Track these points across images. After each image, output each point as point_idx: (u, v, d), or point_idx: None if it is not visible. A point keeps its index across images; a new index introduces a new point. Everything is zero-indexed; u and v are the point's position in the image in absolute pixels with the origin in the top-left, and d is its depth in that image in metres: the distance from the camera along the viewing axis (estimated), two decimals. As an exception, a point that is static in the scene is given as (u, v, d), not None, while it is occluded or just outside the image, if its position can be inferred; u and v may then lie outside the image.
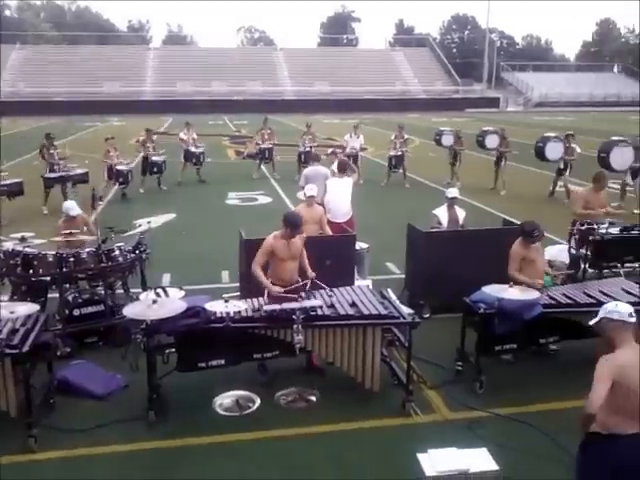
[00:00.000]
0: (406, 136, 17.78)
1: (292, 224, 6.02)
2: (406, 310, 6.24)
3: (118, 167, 15.06)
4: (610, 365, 3.35)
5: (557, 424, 5.23)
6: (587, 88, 62.11)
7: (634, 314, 3.53)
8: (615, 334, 3.51)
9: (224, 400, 5.73)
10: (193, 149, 17.58)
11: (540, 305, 5.90)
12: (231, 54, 64.50)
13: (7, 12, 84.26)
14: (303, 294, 5.88)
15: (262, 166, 18.93)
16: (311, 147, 17.79)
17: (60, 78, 54.43)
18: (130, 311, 5.43)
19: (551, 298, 6.14)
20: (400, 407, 5.53)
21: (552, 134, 15.87)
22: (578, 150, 15.10)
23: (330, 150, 12.70)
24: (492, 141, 17.05)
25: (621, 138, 13.99)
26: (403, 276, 8.61)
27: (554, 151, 15.15)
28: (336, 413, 5.50)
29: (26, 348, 5.02)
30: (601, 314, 3.61)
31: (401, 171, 17.25)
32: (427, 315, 7.54)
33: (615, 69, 76.06)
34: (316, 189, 8.10)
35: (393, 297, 6.59)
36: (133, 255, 7.42)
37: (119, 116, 47.45)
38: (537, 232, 6.37)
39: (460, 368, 6.18)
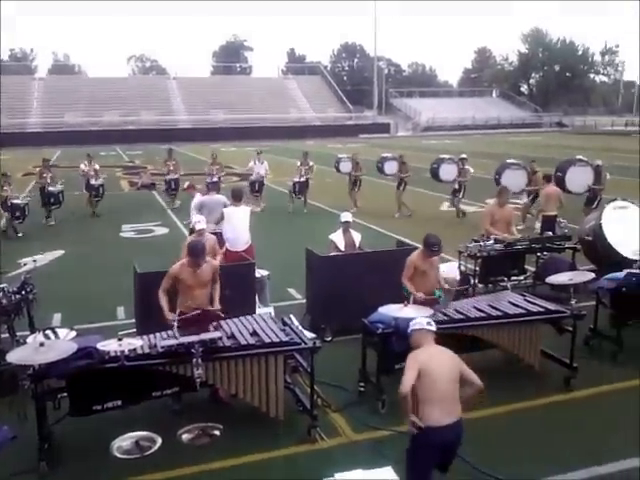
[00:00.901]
0: (311, 163, 17.98)
1: (190, 253, 6.10)
2: (308, 335, 6.28)
3: (13, 201, 14.48)
4: (415, 358, 4.26)
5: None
6: (470, 112, 65.92)
7: (432, 323, 4.53)
8: (420, 338, 4.43)
9: (123, 443, 5.46)
10: (93, 181, 17.05)
11: (434, 322, 6.11)
12: (122, 83, 63.00)
13: None
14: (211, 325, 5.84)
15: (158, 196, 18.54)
16: (219, 177, 17.70)
17: None
18: (15, 357, 5.08)
19: (444, 314, 6.39)
20: (306, 433, 5.53)
21: (446, 156, 16.60)
22: (471, 171, 15.77)
23: (187, 184, 12.43)
24: (391, 167, 17.56)
25: (514, 161, 15.03)
26: (304, 301, 8.68)
27: (448, 172, 15.81)
28: (241, 446, 5.41)
29: None
30: (409, 330, 4.53)
31: (302, 198, 17.41)
32: (329, 338, 7.62)
33: (494, 94, 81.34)
34: (204, 221, 7.91)
35: (295, 323, 6.61)
36: (18, 296, 7.01)
37: (4, 149, 44.84)
38: (437, 247, 6.66)
39: (363, 389, 6.28)
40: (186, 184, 12.71)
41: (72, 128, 51.79)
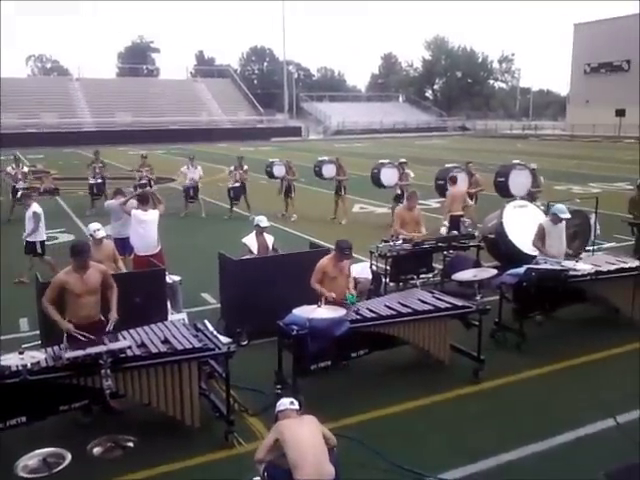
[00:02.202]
0: (246, 167, 17.42)
1: (73, 252, 5.80)
2: (223, 340, 6.21)
3: None
4: (275, 430, 4.41)
5: (373, 433, 5.56)
6: (378, 116, 67.54)
7: (294, 402, 4.62)
8: (284, 416, 4.52)
9: (29, 461, 5.19)
10: (20, 185, 16.19)
11: (348, 321, 6.23)
12: (21, 84, 59.79)
13: None
14: (109, 336, 5.61)
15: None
16: (149, 179, 17.12)
17: None
18: None
19: (357, 313, 6.51)
20: (223, 439, 5.46)
21: (386, 161, 16.09)
22: (412, 175, 15.42)
23: (20, 193, 12.17)
24: (329, 170, 17.09)
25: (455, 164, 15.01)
26: (219, 305, 8.58)
27: (389, 177, 15.33)
28: (156, 456, 5.27)
29: None
30: (276, 411, 4.63)
31: (237, 204, 16.94)
32: (245, 342, 7.57)
33: (400, 99, 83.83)
34: (102, 230, 7.66)
35: (210, 328, 6.51)
36: None
37: None
38: (348, 250, 6.79)
39: (280, 391, 6.26)
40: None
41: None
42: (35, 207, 10.58)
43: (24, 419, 5.12)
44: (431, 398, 6.28)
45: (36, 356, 5.06)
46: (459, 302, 6.91)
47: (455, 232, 10.49)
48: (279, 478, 4.23)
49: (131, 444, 5.47)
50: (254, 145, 47.40)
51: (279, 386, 6.32)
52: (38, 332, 7.28)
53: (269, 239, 8.62)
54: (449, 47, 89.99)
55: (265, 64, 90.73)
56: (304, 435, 4.24)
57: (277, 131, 59.49)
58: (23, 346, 5.32)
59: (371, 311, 6.60)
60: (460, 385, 6.54)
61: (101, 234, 7.51)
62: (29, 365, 4.93)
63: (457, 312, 6.83)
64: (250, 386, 6.39)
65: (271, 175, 18.11)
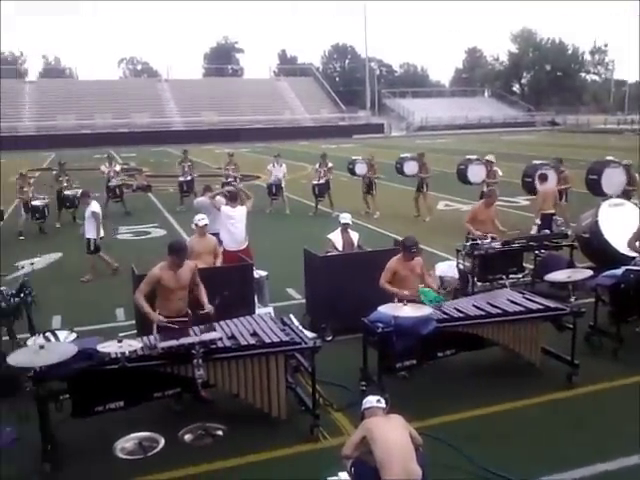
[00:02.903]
0: (330, 164, 17.59)
1: (172, 249, 6.01)
2: (309, 335, 6.29)
3: (34, 202, 14.96)
4: (362, 427, 4.38)
5: (460, 435, 5.45)
6: (462, 112, 66.10)
7: (381, 400, 4.56)
8: (370, 414, 4.47)
9: (126, 444, 5.46)
10: (112, 182, 17.22)
11: (434, 320, 6.14)
12: (114, 86, 62.82)
13: None
14: (202, 327, 5.80)
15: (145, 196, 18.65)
16: (235, 177, 17.70)
17: None
18: (15, 359, 5.06)
19: (444, 313, 6.40)
20: (308, 432, 5.52)
21: (473, 157, 15.57)
22: (500, 173, 14.82)
23: (79, 192, 12.61)
24: (411, 167, 16.81)
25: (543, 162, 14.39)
26: (304, 301, 8.68)
27: (476, 174, 14.82)
28: (244, 446, 5.40)
29: None
30: (362, 408, 4.57)
31: (327, 199, 17.10)
32: (329, 338, 7.61)
33: (486, 94, 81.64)
34: (207, 219, 7.99)
35: (295, 323, 6.62)
36: (17, 299, 6.99)
37: (-4, 153, 44.68)
38: (414, 248, 6.72)
39: (364, 388, 6.26)
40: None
41: (64, 131, 51.60)
42: (94, 206, 10.97)
43: (121, 404, 5.38)
44: (521, 402, 6.08)
45: (133, 344, 5.29)
46: (552, 304, 6.66)
47: (547, 231, 10.12)
48: (366, 475, 4.22)
49: (221, 433, 5.64)
50: (336, 143, 47.59)
51: (364, 383, 6.32)
52: (134, 322, 7.65)
53: (354, 236, 8.64)
54: (537, 39, 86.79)
55: (347, 61, 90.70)
56: (391, 434, 4.22)
57: (359, 128, 59.43)
58: (120, 335, 5.59)
59: (458, 311, 6.47)
60: (552, 390, 6.30)
61: (204, 222, 7.80)
62: (127, 353, 5.17)
63: (550, 314, 6.59)
64: (335, 381, 6.43)
65: (353, 173, 18.12)
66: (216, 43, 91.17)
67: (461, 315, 6.39)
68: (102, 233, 11.19)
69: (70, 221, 16.04)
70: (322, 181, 17.17)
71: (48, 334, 6.11)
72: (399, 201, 17.52)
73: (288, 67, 79.82)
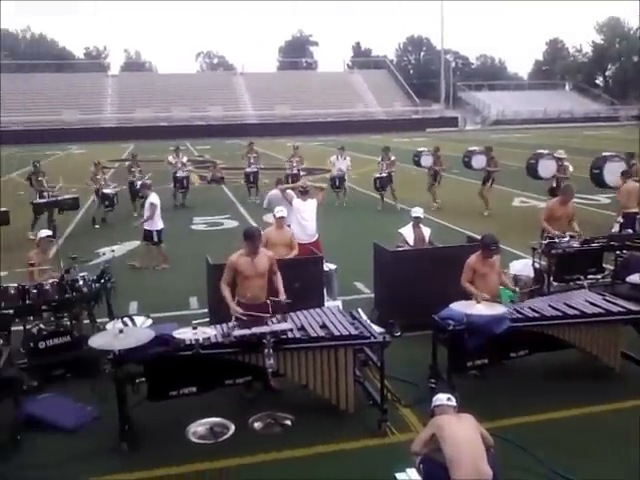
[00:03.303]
0: (392, 157, 17.54)
1: (246, 235, 6.10)
2: (377, 329, 6.26)
3: (104, 190, 15.45)
4: (432, 424, 4.35)
5: (532, 437, 5.30)
6: (541, 105, 63.92)
7: (452, 398, 4.50)
8: (441, 412, 4.43)
9: (198, 428, 5.63)
10: (179, 173, 17.64)
11: (508, 320, 5.99)
12: (191, 79, 64.54)
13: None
14: (275, 318, 5.88)
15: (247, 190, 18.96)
16: (299, 170, 17.91)
17: (16, 107, 53.60)
18: (96, 342, 5.31)
19: (518, 312, 6.24)
20: (376, 427, 5.52)
21: (545, 151, 15.27)
22: (571, 169, 14.33)
23: (139, 183, 12.82)
24: (479, 161, 16.52)
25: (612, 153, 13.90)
26: (372, 295, 8.66)
27: (546, 169, 14.45)
28: (312, 436, 5.46)
29: (-10, 384, 4.87)
30: (432, 406, 4.54)
31: (382, 194, 17.13)
32: (398, 333, 7.56)
33: (567, 87, 78.55)
34: (285, 211, 8.14)
35: (364, 317, 6.61)
36: (98, 285, 7.31)
37: (79, 144, 46.87)
38: (494, 246, 6.54)
39: (434, 385, 6.20)
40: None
41: (143, 123, 53.48)
42: (153, 198, 11.21)
43: (194, 389, 5.54)
44: (598, 407, 5.85)
45: (207, 332, 5.45)
46: (633, 307, 6.36)
47: (630, 230, 9.65)
48: (435, 472, 4.18)
49: (289, 422, 5.72)
50: (409, 136, 47.08)
51: (433, 380, 6.25)
52: (207, 310, 7.86)
53: (426, 231, 8.54)
54: (625, 29, 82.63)
55: (422, 54, 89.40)
56: (462, 433, 4.16)
57: (433, 122, 58.58)
58: (192, 322, 5.75)
59: (534, 310, 6.29)
60: (632, 396, 6.02)
61: (281, 214, 7.92)
62: (201, 340, 5.32)
63: (631, 317, 6.30)
64: (403, 377, 6.39)
65: (418, 164, 18.06)
66: (291, 36, 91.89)
67: (536, 315, 6.21)
68: (161, 225, 11.36)
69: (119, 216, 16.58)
70: (384, 174, 17.14)
71: (126, 319, 6.36)
72: (471, 196, 17.15)
73: (362, 60, 79.48)
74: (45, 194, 14.37)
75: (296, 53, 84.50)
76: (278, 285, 6.34)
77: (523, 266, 8.58)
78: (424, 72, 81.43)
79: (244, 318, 5.91)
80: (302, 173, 18.01)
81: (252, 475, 4.99)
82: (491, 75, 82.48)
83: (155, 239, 11.13)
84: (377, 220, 14.92)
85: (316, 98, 59.96)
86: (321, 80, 65.88)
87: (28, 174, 15.19)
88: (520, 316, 6.17)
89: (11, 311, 6.73)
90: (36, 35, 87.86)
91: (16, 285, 6.81)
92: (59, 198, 14.17)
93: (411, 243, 8.40)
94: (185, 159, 18.40)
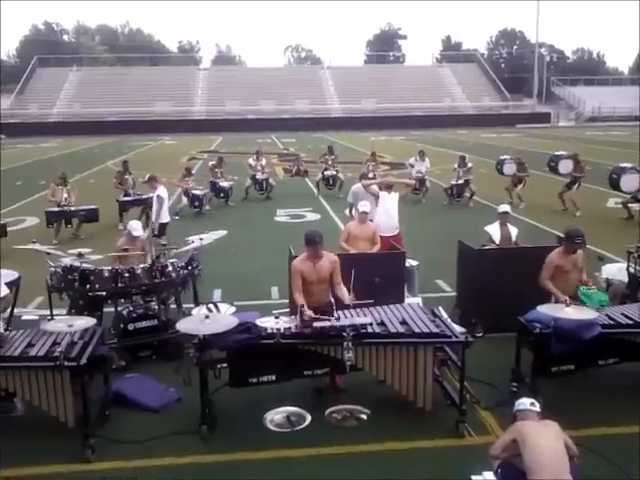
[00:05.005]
0: (470, 165, 17.24)
1: (307, 240, 5.94)
2: (458, 329, 6.14)
3: (194, 192, 16.01)
4: (514, 429, 4.24)
5: (619, 450, 5.05)
6: (642, 102, 60.36)
7: (535, 404, 4.38)
8: (523, 417, 4.34)
9: (275, 416, 5.73)
10: (259, 175, 18.10)
11: (598, 325, 5.72)
12: (278, 73, 65.50)
13: (65, 37, 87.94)
14: (354, 311, 5.88)
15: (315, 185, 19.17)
16: (374, 175, 17.85)
17: (114, 99, 56.33)
18: (183, 326, 5.51)
19: (610, 318, 5.94)
20: (453, 427, 5.43)
21: (628, 165, 14.72)
22: None
23: (147, 176, 12.91)
24: (566, 166, 15.95)
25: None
26: (454, 294, 8.50)
27: (629, 183, 14.11)
28: (387, 432, 5.43)
29: (84, 361, 5.16)
30: (514, 410, 4.44)
31: (467, 195, 16.90)
32: (480, 334, 7.38)
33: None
34: (369, 205, 8.11)
35: (444, 315, 6.50)
36: (186, 271, 7.56)
37: (170, 135, 48.67)
38: (580, 239, 6.28)
39: (515, 389, 6.02)
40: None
41: (232, 116, 54.87)
42: (160, 191, 11.31)
43: (273, 378, 5.64)
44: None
45: (288, 322, 5.52)
46: None
47: None
48: (513, 478, 4.07)
49: (365, 417, 5.72)
50: (497, 132, 45.79)
51: (515, 384, 6.07)
52: (287, 301, 7.97)
53: (513, 231, 8.29)
54: None
55: (515, 47, 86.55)
56: (545, 440, 4.01)
57: (523, 117, 56.73)
58: (274, 312, 5.84)
59: (626, 317, 5.97)
60: None
61: (364, 209, 7.91)
62: (282, 329, 5.40)
63: None
64: (483, 379, 6.24)
65: (501, 172, 17.67)
66: (379, 30, 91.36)
67: (629, 322, 5.89)
68: (167, 218, 11.42)
69: (223, 205, 17.19)
70: (460, 182, 16.85)
71: (211, 305, 6.55)
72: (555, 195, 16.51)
73: (451, 53, 77.85)
74: (130, 192, 14.96)
75: (384, 47, 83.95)
76: (341, 293, 6.04)
77: (617, 270, 8.16)
78: (516, 66, 78.83)
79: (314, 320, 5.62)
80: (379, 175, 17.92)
81: (325, 466, 5.03)
82: (588, 70, 78.69)
83: (156, 232, 11.08)
84: (462, 217, 14.62)
85: (403, 92, 59.36)
86: (408, 74, 65.17)
87: (116, 173, 15.80)
88: (612, 322, 5.88)
89: (104, 293, 7.10)
90: (134, 30, 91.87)
91: (110, 268, 7.15)
92: (143, 196, 14.57)
93: (497, 242, 8.18)
94: (264, 162, 18.70)
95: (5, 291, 5.91)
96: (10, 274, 7.42)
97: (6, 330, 6.10)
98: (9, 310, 7.09)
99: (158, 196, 11.34)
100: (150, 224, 11.54)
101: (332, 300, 6.24)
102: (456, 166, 17.25)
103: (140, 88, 58.82)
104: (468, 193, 16.90)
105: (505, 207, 8.39)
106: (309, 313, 5.60)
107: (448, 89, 62.93)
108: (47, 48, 68.97)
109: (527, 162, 17.20)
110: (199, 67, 70.70)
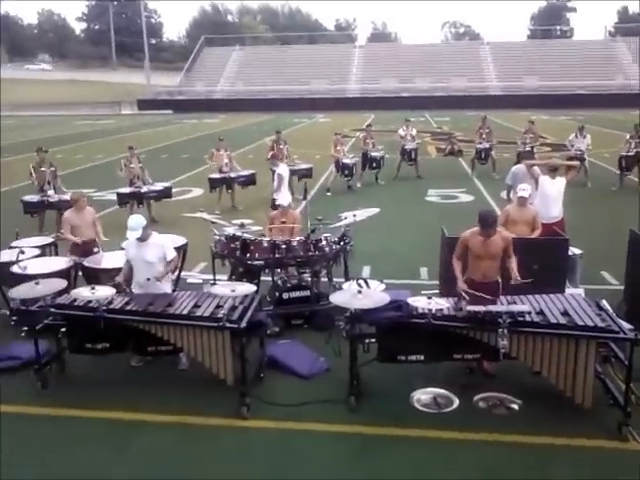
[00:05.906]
0: None
1: (480, 222, 5.81)
2: (625, 325, 5.68)
3: (344, 160, 16.11)
4: None
5: None
6: None
7: None
8: None
9: (422, 396, 5.70)
10: (408, 145, 17.87)
11: None
12: (435, 50, 63.96)
13: (229, 17, 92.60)
14: (505, 299, 5.66)
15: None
16: (532, 147, 17.08)
17: (273, 77, 58.49)
18: (337, 299, 5.63)
19: None
20: (615, 429, 5.07)
21: None
22: None
23: (270, 154, 12.66)
24: None
25: None
26: (621, 287, 7.86)
27: None
28: (540, 425, 5.20)
29: (244, 324, 5.48)
30: None
31: (633, 174, 15.69)
32: (648, 332, 6.77)
33: None
34: (529, 189, 7.71)
35: (608, 309, 6.03)
36: (338, 246, 7.71)
37: (325, 113, 49.62)
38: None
39: (690, 396, 5.47)
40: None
41: (385, 94, 54.67)
42: (281, 169, 11.20)
43: (422, 357, 5.59)
44: None
45: (441, 303, 5.44)
46: None
47: None
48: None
49: (516, 407, 5.51)
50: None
51: (690, 390, 5.51)
52: (437, 282, 7.85)
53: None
54: None
55: None
56: None
57: None
58: (422, 292, 5.77)
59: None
60: None
61: (524, 193, 7.60)
62: (434, 310, 5.34)
63: None
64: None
65: None
66: (546, 2, 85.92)
67: None
68: (288, 197, 10.64)
69: (373, 181, 17.09)
70: (631, 153, 15.45)
71: (361, 281, 6.62)
72: None
73: (627, 26, 71.24)
74: (286, 161, 15.29)
75: (550, 20, 78.89)
76: (511, 267, 5.95)
77: None
78: None
79: (466, 297, 5.61)
80: (534, 149, 16.91)
81: (475, 452, 4.92)
82: None
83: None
84: (631, 203, 13.42)
85: (569, 69, 55.44)
86: (576, 49, 60.64)
87: (271, 141, 15.85)
88: None
89: (262, 262, 7.45)
90: (293, 9, 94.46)
91: (268, 239, 7.49)
92: (295, 167, 14.86)
93: (676, 233, 7.41)
94: (414, 132, 18.35)
95: (173, 254, 6.40)
96: (179, 239, 8.05)
97: (173, 291, 6.64)
98: (176, 273, 7.69)
99: (278, 174, 11.49)
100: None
101: (499, 280, 6.04)
102: (628, 137, 15.94)
103: (298, 66, 60.47)
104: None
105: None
106: (463, 286, 5.65)
107: (622, 65, 57.70)
108: (213, 28, 73.19)
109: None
110: (355, 45, 71.06)
